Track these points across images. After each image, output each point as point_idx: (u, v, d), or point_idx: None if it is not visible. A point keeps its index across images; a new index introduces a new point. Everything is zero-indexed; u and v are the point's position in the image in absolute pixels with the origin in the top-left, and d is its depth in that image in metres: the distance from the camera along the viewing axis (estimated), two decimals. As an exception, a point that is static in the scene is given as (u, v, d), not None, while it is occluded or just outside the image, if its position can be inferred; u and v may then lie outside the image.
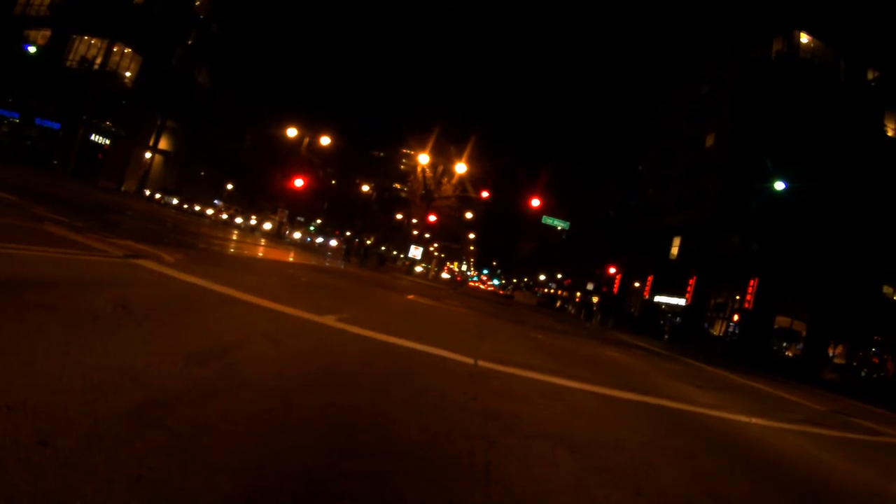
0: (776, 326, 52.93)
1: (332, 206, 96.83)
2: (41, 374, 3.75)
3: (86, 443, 2.99)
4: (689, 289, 60.08)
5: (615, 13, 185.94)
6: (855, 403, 24.67)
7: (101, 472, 2.75)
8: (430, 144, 59.14)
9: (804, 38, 58.72)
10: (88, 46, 58.88)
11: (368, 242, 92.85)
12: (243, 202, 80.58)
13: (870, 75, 58.38)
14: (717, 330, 58.08)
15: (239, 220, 67.08)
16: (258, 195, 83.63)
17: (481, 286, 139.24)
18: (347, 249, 57.48)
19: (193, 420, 3.67)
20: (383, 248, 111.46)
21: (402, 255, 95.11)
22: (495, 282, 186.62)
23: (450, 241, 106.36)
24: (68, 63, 58.04)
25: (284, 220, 63.79)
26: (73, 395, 3.56)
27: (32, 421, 3.07)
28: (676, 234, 68.29)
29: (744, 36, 63.68)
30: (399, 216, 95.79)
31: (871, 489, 7.11)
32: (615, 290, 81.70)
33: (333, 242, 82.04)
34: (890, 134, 55.78)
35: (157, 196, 63.28)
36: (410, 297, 23.77)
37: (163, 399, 3.89)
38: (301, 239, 75.34)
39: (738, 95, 60.90)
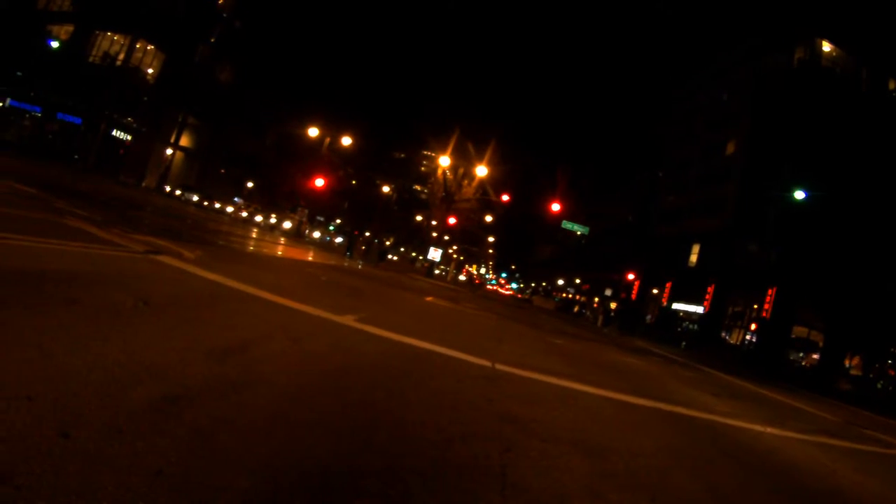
0: (793, 336, 52.76)
1: (351, 206, 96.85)
2: (63, 366, 3.79)
3: (107, 436, 3.02)
4: (707, 296, 59.90)
5: (638, 18, 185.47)
6: (870, 415, 24.53)
7: (122, 465, 2.78)
8: (450, 147, 59.05)
9: (826, 47, 58.49)
10: (111, 42, 59.27)
11: (388, 242, 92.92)
12: (263, 200, 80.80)
13: (891, 85, 58.11)
14: (735, 338, 57.90)
15: (259, 218, 67.35)
16: (278, 193, 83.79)
17: (499, 290, 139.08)
18: (350, 245, 57.68)
19: (213, 416, 3.70)
20: (402, 248, 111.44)
21: (420, 257, 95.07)
22: (513, 285, 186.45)
23: (469, 243, 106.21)
24: (91, 58, 58.40)
25: (304, 219, 63.88)
26: (94, 388, 3.59)
27: (54, 413, 3.10)
28: (695, 242, 68.07)
29: (765, 43, 63.38)
30: (419, 218, 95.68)
31: (882, 502, 7.10)
32: (633, 296, 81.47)
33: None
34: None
35: (178, 192, 63.58)
36: (429, 298, 23.76)
37: (183, 394, 3.92)
38: (320, 238, 75.50)
39: (759, 103, 60.67)
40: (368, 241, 76.49)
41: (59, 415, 3.09)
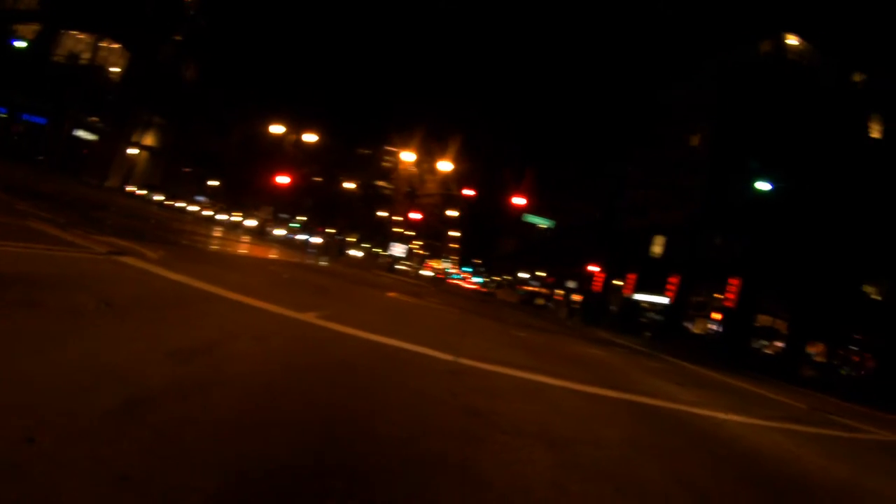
0: (757, 325, 53.06)
1: (315, 203, 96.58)
2: (24, 371, 3.78)
3: (71, 441, 3.02)
4: (671, 287, 60.11)
5: (602, 13, 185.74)
6: (834, 401, 24.89)
7: (86, 470, 2.78)
8: (414, 142, 59.19)
9: (791, 40, 58.77)
10: (76, 41, 58.65)
11: (350, 239, 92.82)
12: (227, 199, 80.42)
13: (856, 77, 58.52)
14: (699, 328, 58.17)
15: (222, 216, 66.91)
16: (242, 192, 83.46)
17: (462, 284, 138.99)
18: (307, 241, 57.71)
19: (177, 417, 3.70)
20: (366, 244, 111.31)
21: (383, 253, 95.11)
22: (478, 279, 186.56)
23: (433, 238, 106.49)
24: (56, 58, 57.74)
25: (268, 216, 63.82)
26: (58, 392, 3.59)
27: (17, 419, 3.09)
28: (660, 233, 68.30)
29: (731, 36, 63.67)
30: (383, 213, 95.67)
31: (846, 485, 7.22)
32: (597, 288, 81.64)
33: (318, 240, 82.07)
34: (874, 136, 55.93)
35: (142, 192, 63.11)
36: (392, 294, 23.80)
37: (146, 396, 3.92)
38: (284, 236, 75.23)
39: (724, 96, 60.95)
40: (330, 237, 76.46)
41: (22, 420, 3.09)
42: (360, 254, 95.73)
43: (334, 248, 65.50)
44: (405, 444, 4.35)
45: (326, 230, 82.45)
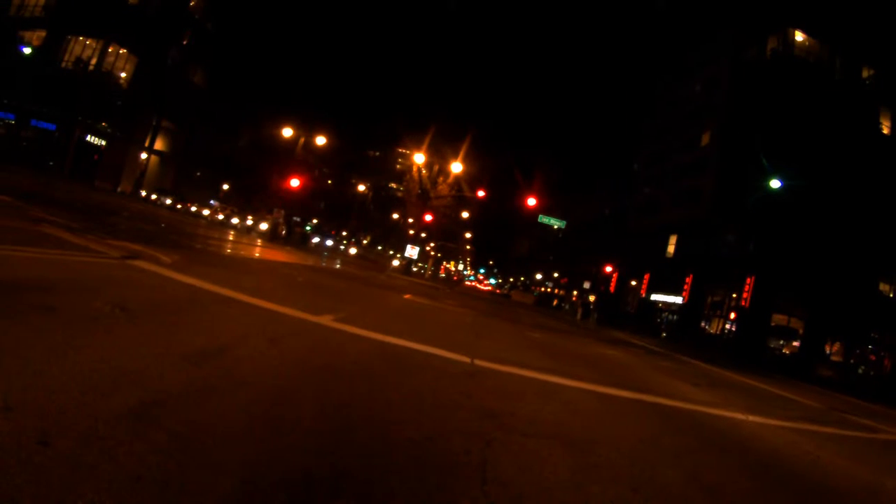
0: (773, 324, 52.86)
1: (328, 206, 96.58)
2: (40, 375, 3.78)
3: (86, 443, 3.02)
4: (685, 287, 60.00)
5: (609, 10, 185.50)
6: (852, 401, 24.70)
7: (102, 472, 2.77)
8: (426, 144, 59.14)
9: (799, 36, 58.54)
10: (83, 47, 58.78)
11: (365, 241, 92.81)
12: (239, 202, 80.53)
13: (865, 73, 58.27)
14: (714, 328, 58.01)
15: (235, 220, 66.93)
16: (254, 195, 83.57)
17: (478, 285, 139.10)
18: (273, 229, 57.82)
19: (192, 420, 3.70)
20: (380, 246, 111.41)
21: (398, 255, 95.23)
22: (492, 281, 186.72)
23: (446, 240, 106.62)
24: (63, 64, 57.96)
25: (280, 220, 63.97)
26: (73, 395, 3.58)
27: (33, 421, 3.09)
28: (673, 233, 68.15)
29: (738, 34, 63.49)
30: (395, 216, 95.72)
31: (867, 486, 7.13)
32: (612, 288, 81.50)
33: (329, 242, 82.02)
34: (885, 131, 55.75)
35: (154, 197, 63.19)
36: (407, 296, 23.74)
37: (161, 399, 3.91)
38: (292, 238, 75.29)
39: (733, 93, 60.79)
40: (291, 225, 76.44)
41: (38, 423, 3.09)
42: (353, 250, 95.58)
43: (297, 237, 65.87)
44: (422, 446, 4.34)
45: (282, 215, 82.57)
